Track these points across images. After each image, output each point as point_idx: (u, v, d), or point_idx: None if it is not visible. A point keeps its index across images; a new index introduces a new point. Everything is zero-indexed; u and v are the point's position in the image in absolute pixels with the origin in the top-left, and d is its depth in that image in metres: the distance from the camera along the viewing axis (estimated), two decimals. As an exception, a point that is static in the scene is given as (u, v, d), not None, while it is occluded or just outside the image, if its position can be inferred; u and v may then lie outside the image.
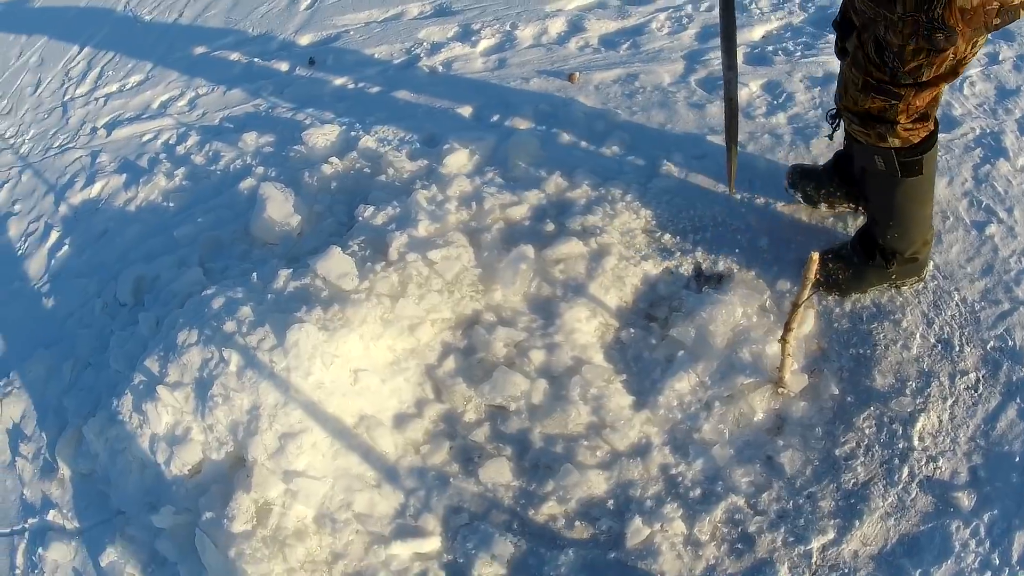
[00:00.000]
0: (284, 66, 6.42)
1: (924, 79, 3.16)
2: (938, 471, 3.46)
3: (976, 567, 3.20)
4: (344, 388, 3.76)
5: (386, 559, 3.48)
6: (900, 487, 3.46)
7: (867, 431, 3.60)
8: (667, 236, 4.31)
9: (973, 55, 3.16)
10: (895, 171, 3.51)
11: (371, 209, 4.44)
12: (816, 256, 3.13)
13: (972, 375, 3.67)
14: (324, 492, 3.59)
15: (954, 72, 3.19)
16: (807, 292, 3.23)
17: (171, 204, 5.44)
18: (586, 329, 3.96)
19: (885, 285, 3.96)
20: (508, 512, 3.58)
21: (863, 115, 3.42)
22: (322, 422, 3.69)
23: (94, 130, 6.58)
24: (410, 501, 3.63)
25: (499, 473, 3.63)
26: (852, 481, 3.49)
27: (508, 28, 6.17)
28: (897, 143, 3.42)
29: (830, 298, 4.01)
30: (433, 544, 3.51)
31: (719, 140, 4.74)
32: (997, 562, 3.20)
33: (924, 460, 3.49)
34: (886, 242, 3.79)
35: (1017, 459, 3.44)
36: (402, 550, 3.49)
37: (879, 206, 3.76)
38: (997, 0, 2.81)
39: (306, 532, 3.53)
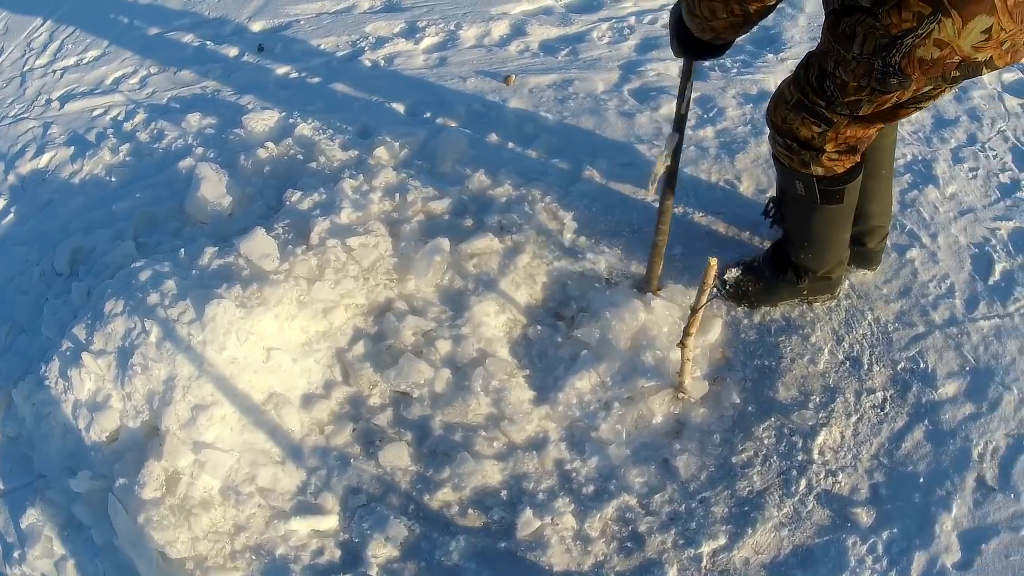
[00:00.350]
0: (234, 51, 6.44)
1: (861, 114, 3.14)
2: (837, 486, 3.48)
3: None
4: (256, 365, 3.79)
5: (285, 534, 3.52)
6: (796, 499, 3.47)
7: (766, 441, 3.63)
8: (583, 239, 4.34)
9: (924, 105, 3.17)
10: (815, 198, 3.51)
11: (298, 194, 4.47)
12: (714, 262, 3.14)
13: (879, 394, 3.70)
14: (230, 465, 3.61)
15: (893, 114, 3.18)
16: (705, 297, 3.25)
17: (113, 179, 5.44)
18: (494, 323, 4.00)
19: (796, 300, 3.99)
20: (404, 496, 3.61)
21: (790, 137, 3.38)
22: (233, 396, 3.72)
23: (48, 102, 6.55)
24: (311, 479, 3.66)
25: (398, 457, 3.67)
26: (747, 489, 3.51)
27: (452, 27, 6.20)
28: (820, 171, 3.41)
29: (739, 309, 4.05)
30: (331, 523, 3.55)
31: (644, 149, 4.81)
32: None
33: (823, 474, 3.51)
34: (799, 260, 3.81)
35: (921, 480, 3.46)
36: (301, 526, 3.52)
37: (795, 228, 3.77)
38: (959, 54, 2.79)
39: (211, 503, 3.56)
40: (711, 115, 5.04)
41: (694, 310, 3.32)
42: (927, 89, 3.02)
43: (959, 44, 2.76)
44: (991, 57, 2.83)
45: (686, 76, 3.63)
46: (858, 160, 3.43)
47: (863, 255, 4.06)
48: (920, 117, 4.89)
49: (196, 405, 3.66)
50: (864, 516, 3.38)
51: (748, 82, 5.21)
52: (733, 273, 4.03)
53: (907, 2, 2.72)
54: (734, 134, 4.85)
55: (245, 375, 3.76)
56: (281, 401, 3.78)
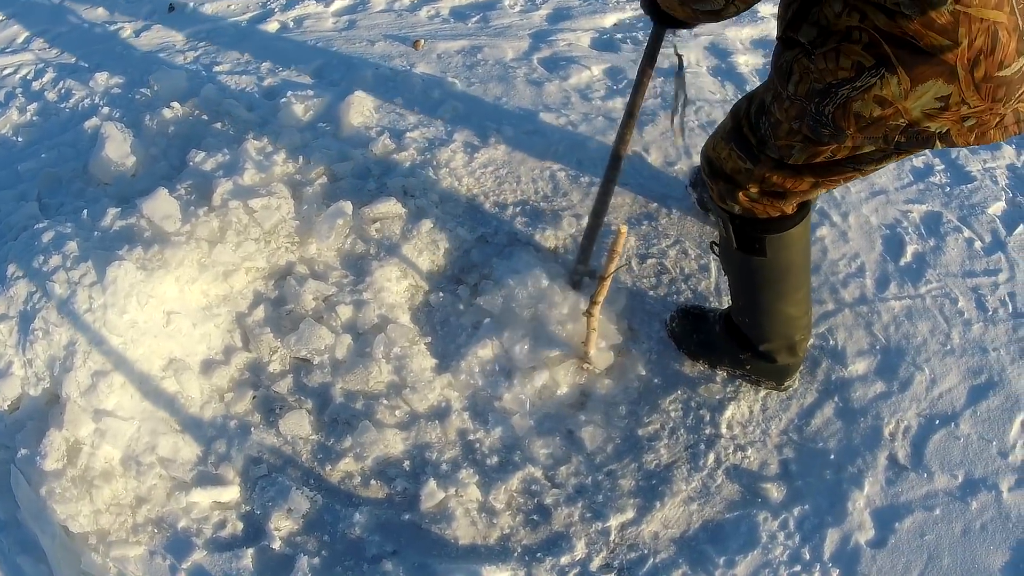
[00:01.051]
0: (145, 10, 6.20)
1: (791, 161, 2.80)
2: (746, 460, 3.43)
3: (784, 560, 3.16)
4: (156, 329, 3.62)
5: (187, 506, 3.36)
6: (705, 473, 3.41)
7: (673, 414, 3.56)
8: (488, 205, 4.24)
9: (865, 170, 2.85)
10: (732, 241, 3.19)
11: (202, 155, 4.31)
12: (624, 229, 3.05)
13: (788, 370, 3.62)
14: (131, 433, 3.44)
15: (828, 170, 2.83)
16: (614, 266, 3.15)
17: (20, 139, 5.21)
18: (395, 289, 3.88)
19: (738, 372, 3.63)
20: (306, 466, 3.48)
21: (715, 165, 3.08)
22: (133, 362, 3.55)
23: (-43, 61, 6.30)
24: (212, 449, 3.50)
25: (299, 426, 3.53)
26: (655, 462, 3.44)
27: (363, -10, 6.03)
28: (736, 209, 3.09)
29: (645, 280, 3.97)
30: (232, 494, 3.40)
31: (552, 117, 4.69)
32: (807, 557, 3.16)
33: (732, 448, 3.46)
34: (738, 322, 3.49)
35: (832, 457, 3.42)
36: (202, 498, 3.37)
37: (728, 277, 3.49)
38: (905, 118, 2.44)
39: (113, 474, 3.39)
40: (621, 87, 4.94)
41: (602, 278, 3.22)
42: (868, 150, 2.69)
43: (906, 106, 2.42)
44: (948, 131, 2.48)
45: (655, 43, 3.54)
46: (787, 212, 3.05)
47: None
48: None
49: (96, 371, 3.48)
50: (775, 492, 3.34)
51: (661, 54, 5.07)
52: (680, 321, 3.78)
53: (847, 48, 2.39)
54: (644, 106, 4.73)
55: (145, 340, 3.59)
56: (181, 367, 3.62)
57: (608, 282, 3.23)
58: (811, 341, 3.65)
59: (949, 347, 3.73)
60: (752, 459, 3.42)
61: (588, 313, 3.38)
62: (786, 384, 3.57)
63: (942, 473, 3.35)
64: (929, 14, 2.25)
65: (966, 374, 3.64)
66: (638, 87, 3.44)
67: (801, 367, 3.60)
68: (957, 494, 3.29)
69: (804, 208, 3.11)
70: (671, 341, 3.76)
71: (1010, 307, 3.89)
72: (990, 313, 3.86)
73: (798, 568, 3.12)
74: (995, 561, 3.11)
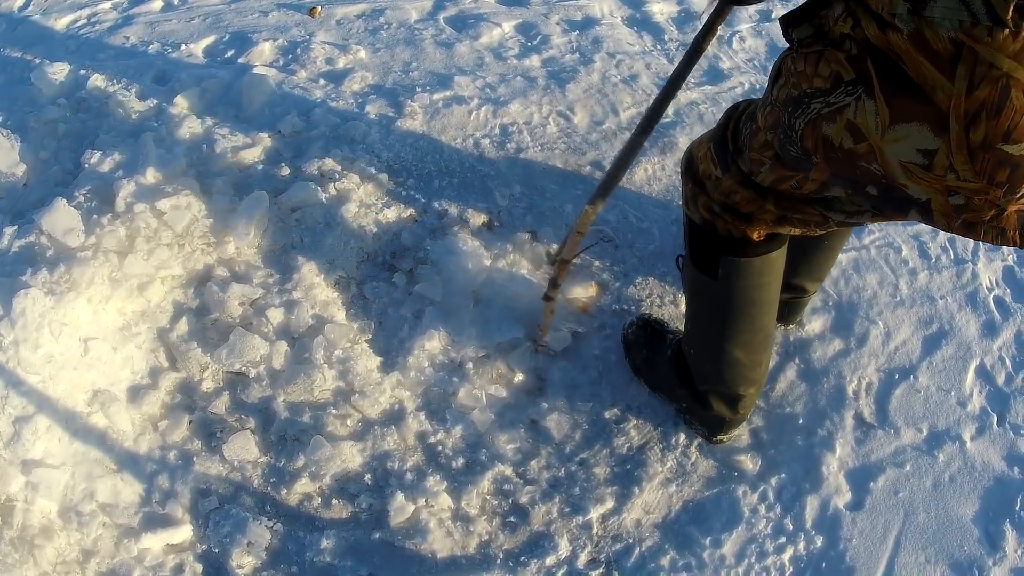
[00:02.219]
0: (18, 2, 5.64)
1: (758, 180, 2.46)
2: None
3: (769, 532, 3.09)
4: (75, 360, 3.22)
5: (138, 554, 3.00)
6: (679, 451, 3.27)
7: (636, 392, 3.37)
8: (412, 181, 3.90)
9: (846, 221, 2.46)
10: (686, 249, 2.85)
11: (97, 155, 3.85)
12: (590, 209, 2.77)
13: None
14: (65, 482, 3.06)
15: (793, 204, 2.48)
16: (579, 248, 2.89)
17: None
18: (326, 284, 3.54)
19: (673, 406, 3.33)
20: (259, 493, 3.15)
21: (690, 163, 2.71)
22: (55, 401, 3.15)
23: None
24: (155, 485, 3.14)
25: (244, 449, 3.18)
26: (626, 446, 3.27)
27: (249, -43, 5.55)
28: (697, 218, 2.71)
29: (594, 251, 3.70)
30: (184, 534, 3.05)
31: (467, 80, 4.35)
32: (791, 527, 3.10)
33: (701, 422, 3.30)
34: (686, 353, 3.13)
35: (801, 421, 3.35)
36: (153, 542, 3.01)
37: (684, 297, 3.14)
38: (879, 163, 2.01)
39: (53, 529, 3.00)
40: (535, 43, 4.63)
41: (564, 261, 2.96)
42: (837, 194, 2.33)
43: (881, 147, 1.99)
44: (929, 202, 2.05)
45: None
46: (750, 236, 2.65)
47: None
48: (754, 44, 4.69)
49: (17, 418, 3.07)
50: (750, 464, 3.24)
51: (572, 7, 4.84)
52: (636, 329, 3.45)
53: (830, 54, 2.00)
54: (561, 63, 4.46)
55: (65, 374, 3.19)
56: (107, 399, 3.22)
57: (569, 265, 2.98)
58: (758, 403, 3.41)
59: (899, 298, 3.70)
60: (723, 431, 3.26)
61: (548, 297, 3.12)
62: (718, 438, 3.26)
63: (907, 428, 3.34)
64: (923, 32, 1.81)
65: (918, 325, 3.63)
66: (690, 62, 2.76)
67: (741, 428, 3.33)
68: (924, 448, 3.29)
69: (774, 241, 2.71)
70: (621, 345, 3.47)
71: (951, 253, 3.87)
72: (933, 260, 3.84)
73: (783, 540, 3.06)
74: (966, 511, 3.13)
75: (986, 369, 3.50)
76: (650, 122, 2.68)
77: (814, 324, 3.58)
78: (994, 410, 3.38)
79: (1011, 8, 1.69)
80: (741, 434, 3.27)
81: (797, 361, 3.47)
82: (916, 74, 1.86)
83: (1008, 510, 3.12)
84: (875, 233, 3.86)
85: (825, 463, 3.21)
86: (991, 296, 3.72)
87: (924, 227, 3.89)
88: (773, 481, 3.19)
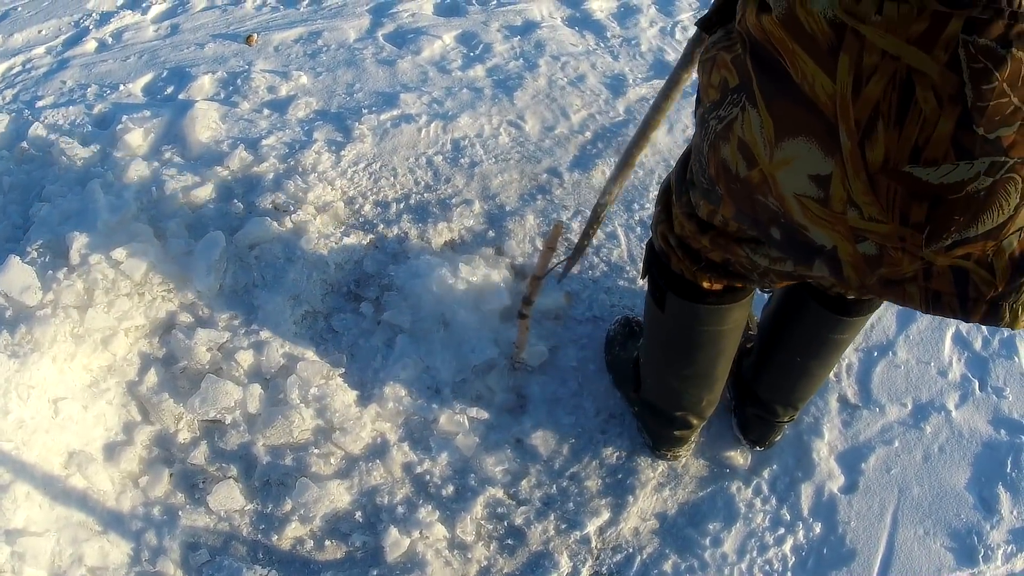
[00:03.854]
0: (-56, 53, 5.59)
1: (698, 212, 2.07)
2: (704, 430, 3.26)
3: (767, 525, 3.07)
4: (46, 423, 3.13)
5: (135, 617, 2.93)
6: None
7: (617, 399, 3.31)
8: (368, 206, 3.85)
9: (761, 267, 2.06)
10: (643, 269, 2.57)
11: (46, 206, 3.77)
12: (561, 225, 2.74)
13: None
14: (51, 548, 2.95)
15: (727, 244, 2.10)
16: (549, 262, 2.84)
17: None
18: (293, 320, 3.47)
19: (630, 409, 3.26)
20: (250, 541, 3.07)
21: (666, 184, 2.33)
22: (31, 467, 3.05)
23: None
24: (142, 544, 3.04)
25: (229, 498, 3.10)
26: (615, 455, 3.21)
27: (180, -10, 5.50)
28: (655, 244, 2.42)
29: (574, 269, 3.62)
30: (179, 590, 2.98)
31: (413, 97, 4.31)
32: (788, 517, 3.08)
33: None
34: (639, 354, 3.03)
35: None
36: (150, 603, 2.93)
37: None
38: (774, 196, 1.68)
39: None
40: (478, 52, 4.59)
41: (536, 277, 2.91)
42: (754, 233, 1.91)
43: (770, 171, 1.65)
44: (836, 249, 1.70)
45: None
46: (699, 282, 2.33)
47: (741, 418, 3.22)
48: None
49: (-4, 488, 3.00)
50: (740, 459, 3.22)
51: (511, 13, 4.86)
52: (618, 327, 3.40)
53: (721, 58, 1.71)
54: (507, 71, 4.44)
55: (37, 438, 3.09)
56: (84, 459, 3.13)
57: (542, 281, 2.94)
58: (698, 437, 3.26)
59: None
60: (710, 427, 3.25)
61: (522, 315, 3.07)
62: (661, 451, 3.14)
63: (892, 404, 3.33)
64: (796, 12, 1.45)
65: None
66: (667, 95, 2.57)
67: (682, 452, 3.19)
68: (910, 422, 3.29)
69: (728, 294, 2.40)
70: (598, 354, 3.43)
71: None
72: None
73: (782, 531, 3.04)
74: (959, 479, 3.14)
75: (962, 336, 3.52)
76: (624, 166, 2.57)
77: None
78: (975, 376, 3.41)
79: None
80: (729, 427, 3.25)
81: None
82: (795, 70, 1.50)
83: (999, 473, 3.15)
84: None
85: (815, 449, 3.21)
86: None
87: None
88: (765, 473, 3.18)
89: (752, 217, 1.80)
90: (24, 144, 4.35)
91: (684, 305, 2.44)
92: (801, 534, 3.02)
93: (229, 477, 3.16)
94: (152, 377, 3.34)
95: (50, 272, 3.44)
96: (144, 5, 5.49)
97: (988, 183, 1.46)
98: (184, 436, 3.26)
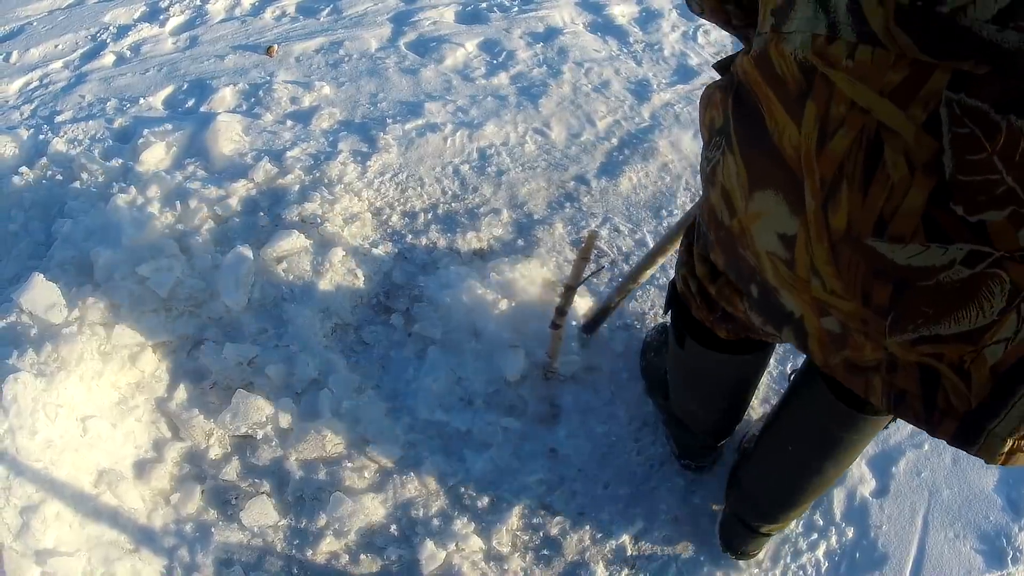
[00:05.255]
0: (-40, 69, 5.58)
1: (710, 255, 1.82)
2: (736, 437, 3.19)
3: (800, 531, 3.03)
4: (75, 442, 3.08)
5: (168, 634, 2.88)
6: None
7: (649, 406, 3.27)
8: (396, 217, 3.81)
9: (757, 322, 1.74)
10: (665, 300, 2.44)
11: (68, 223, 3.73)
12: (595, 234, 2.69)
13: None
14: (82, 568, 2.90)
15: (730, 294, 1.92)
16: (584, 273, 2.81)
17: None
18: (322, 333, 3.43)
19: (660, 417, 3.21)
20: (283, 556, 3.03)
21: (695, 224, 2.10)
22: (61, 486, 3.01)
23: None
24: (175, 561, 3.00)
25: (262, 514, 3.06)
26: (648, 463, 3.17)
27: (198, 2, 5.51)
28: (677, 283, 2.25)
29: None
30: (213, 607, 2.93)
31: (438, 106, 4.29)
32: (821, 523, 3.04)
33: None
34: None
35: None
36: (183, 621, 2.89)
37: None
38: (752, 252, 1.56)
39: None
40: (501, 59, 4.56)
41: (569, 288, 2.88)
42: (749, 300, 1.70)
43: (746, 223, 1.53)
44: (802, 318, 1.55)
45: None
46: (714, 330, 2.21)
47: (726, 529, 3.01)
48: (719, 37, 4.68)
49: (24, 507, 2.91)
50: None
51: (532, 19, 4.81)
52: (655, 333, 3.34)
53: (714, 98, 1.60)
54: (531, 78, 4.40)
55: (66, 457, 3.05)
56: (114, 478, 3.09)
57: (575, 291, 2.90)
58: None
59: None
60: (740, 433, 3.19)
61: (555, 325, 3.03)
62: (684, 462, 3.09)
63: None
64: (770, 53, 1.33)
65: None
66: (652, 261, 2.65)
67: (707, 463, 3.14)
68: None
69: (744, 345, 2.29)
70: (631, 363, 3.38)
71: None
72: None
73: (815, 536, 3.01)
74: (987, 481, 3.11)
75: None
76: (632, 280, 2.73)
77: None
78: None
79: (890, 16, 1.14)
80: (711, 465, 3.15)
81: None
82: (768, 117, 1.37)
83: None
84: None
85: None
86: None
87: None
88: None
89: (736, 270, 1.67)
90: (44, 160, 4.31)
91: (702, 351, 2.34)
92: (834, 539, 3.00)
93: (262, 493, 3.12)
94: (181, 393, 3.31)
95: (75, 289, 3.41)
96: (162, 17, 5.48)
97: (965, 275, 1.26)
98: (215, 452, 3.22)
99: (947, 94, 1.13)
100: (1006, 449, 1.47)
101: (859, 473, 3.12)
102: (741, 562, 2.97)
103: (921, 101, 1.15)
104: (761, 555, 2.98)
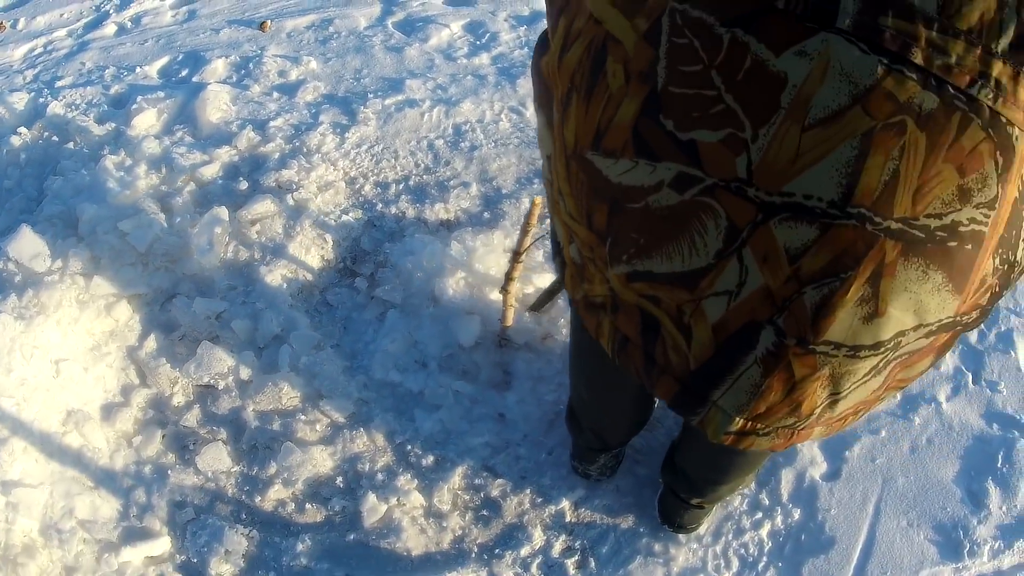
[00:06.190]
0: (-29, 34, 5.74)
1: None
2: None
3: (745, 509, 3.04)
4: (47, 382, 3.26)
5: (119, 567, 3.02)
6: (646, 431, 3.15)
7: None
8: (368, 187, 3.94)
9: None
10: None
11: (60, 180, 3.92)
12: (539, 200, 2.77)
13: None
14: (44, 501, 3.07)
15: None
16: (529, 239, 2.88)
17: None
18: (289, 293, 3.58)
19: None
20: (234, 501, 3.17)
21: None
22: (30, 423, 3.17)
23: None
24: (132, 500, 3.16)
25: (217, 459, 3.21)
26: None
27: (199, -23, 5.61)
28: None
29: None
30: (163, 546, 3.07)
31: (418, 83, 4.41)
32: (767, 502, 3.06)
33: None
34: None
35: None
36: (133, 555, 3.03)
37: None
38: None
39: (35, 547, 3.02)
40: (484, 41, 4.69)
41: (516, 253, 2.97)
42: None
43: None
44: (561, 246, 1.58)
45: None
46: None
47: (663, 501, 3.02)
48: None
49: (-5, 440, 3.12)
50: None
51: (519, 3, 4.88)
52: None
53: None
54: (511, 59, 4.52)
55: (38, 396, 3.22)
56: (81, 418, 3.26)
57: (523, 257, 2.99)
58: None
59: None
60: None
61: (504, 290, 3.13)
62: (573, 462, 3.08)
63: None
64: None
65: None
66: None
67: (592, 472, 3.09)
68: (899, 412, 3.23)
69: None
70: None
71: None
72: None
73: (759, 515, 3.02)
74: (947, 472, 3.09)
75: None
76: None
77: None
78: (969, 369, 3.36)
79: None
80: (597, 476, 3.10)
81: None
82: (549, 39, 1.37)
83: (990, 467, 3.10)
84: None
85: None
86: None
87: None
88: None
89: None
90: (42, 122, 4.49)
91: (576, 318, 2.18)
92: (779, 519, 3.00)
93: (218, 439, 3.27)
94: (152, 343, 3.47)
95: (60, 241, 3.58)
96: None
97: (674, 200, 1.22)
98: (178, 399, 3.38)
99: (672, 4, 1.12)
100: (735, 428, 1.48)
101: (810, 455, 3.13)
102: (681, 536, 2.98)
103: (647, 11, 1.15)
104: (702, 530, 2.98)
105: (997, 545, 2.93)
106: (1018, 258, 1.23)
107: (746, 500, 3.04)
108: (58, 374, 3.29)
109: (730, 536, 2.98)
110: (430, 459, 3.20)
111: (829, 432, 1.55)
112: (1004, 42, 1.05)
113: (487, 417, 3.28)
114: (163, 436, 3.32)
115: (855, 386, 1.38)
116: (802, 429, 1.49)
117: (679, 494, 2.80)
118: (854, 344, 1.27)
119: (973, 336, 3.45)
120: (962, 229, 1.15)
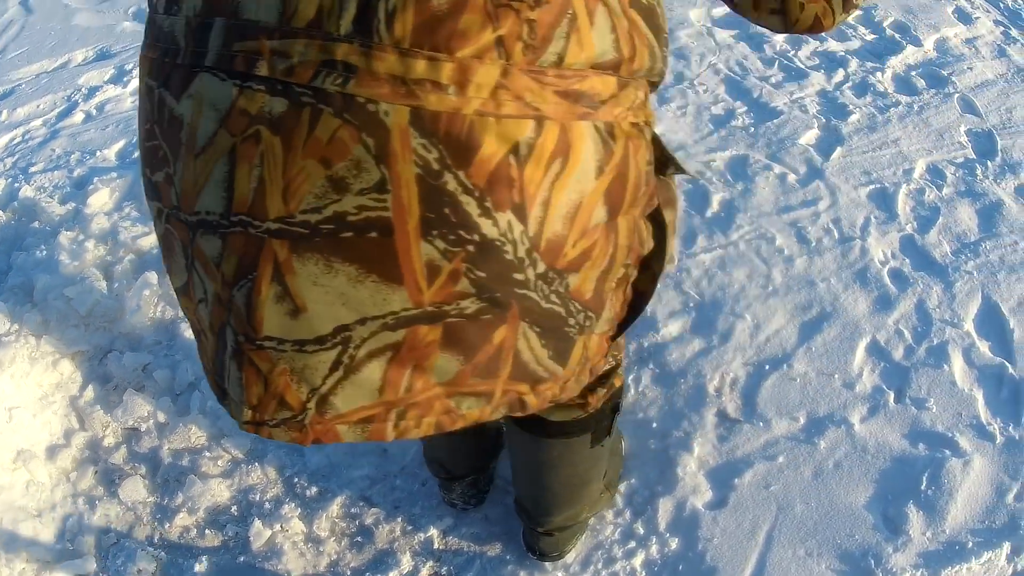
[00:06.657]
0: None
1: None
2: None
3: (617, 538, 2.97)
4: (1, 427, 3.80)
5: (53, 584, 3.52)
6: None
7: None
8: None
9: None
10: None
11: (23, 255, 4.53)
12: None
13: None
14: (-7, 526, 3.61)
15: None
16: None
17: None
18: (209, 345, 4.10)
19: None
20: (148, 527, 3.58)
21: None
22: (-15, 461, 3.71)
23: None
24: (67, 526, 3.64)
25: (135, 491, 3.70)
26: None
27: (156, 66, 6.14)
28: None
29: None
30: (90, 566, 3.51)
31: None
32: (641, 531, 2.98)
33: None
34: None
35: (654, 425, 3.25)
36: (65, 573, 3.50)
37: None
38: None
39: None
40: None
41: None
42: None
43: None
44: None
45: None
46: None
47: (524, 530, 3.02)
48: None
49: (-49, 476, 3.63)
50: None
51: None
52: None
53: None
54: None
55: (-7, 438, 3.78)
56: (28, 456, 3.79)
57: None
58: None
59: (771, 288, 3.59)
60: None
61: None
62: (441, 494, 3.26)
63: (780, 418, 3.19)
64: None
65: (794, 312, 3.50)
66: None
67: (456, 500, 3.20)
68: (801, 437, 3.13)
69: None
70: None
71: (835, 233, 3.79)
72: (813, 245, 3.76)
73: (632, 544, 2.94)
74: (857, 497, 2.95)
75: (879, 346, 3.37)
76: None
77: (671, 328, 3.52)
78: (890, 387, 3.24)
79: None
80: (462, 504, 3.22)
81: (652, 366, 3.40)
82: None
83: (912, 490, 2.93)
84: (744, 228, 3.86)
85: (681, 463, 3.08)
86: (885, 269, 3.62)
87: (803, 211, 3.80)
88: (622, 487, 3.09)
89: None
90: (15, 204, 5.14)
91: None
92: (655, 549, 2.91)
93: (138, 474, 3.77)
94: (90, 393, 4.03)
95: (17, 307, 4.17)
96: (125, 79, 6.20)
97: (161, 230, 1.54)
98: (109, 440, 3.91)
99: (146, 80, 1.43)
100: (247, 419, 1.54)
101: (693, 484, 3.05)
102: (547, 564, 2.93)
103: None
104: (570, 558, 2.92)
105: (919, 573, 2.74)
106: (487, 233, 1.30)
107: (619, 529, 2.99)
108: (11, 419, 3.82)
109: (599, 565, 2.91)
110: (314, 490, 3.50)
111: (368, 436, 1.55)
112: (346, 22, 1.17)
113: (370, 451, 3.63)
114: (95, 472, 3.82)
115: (336, 382, 1.44)
116: (315, 425, 1.51)
117: (524, 521, 2.85)
118: (296, 339, 1.39)
119: (899, 351, 3.35)
120: (352, 219, 1.26)
